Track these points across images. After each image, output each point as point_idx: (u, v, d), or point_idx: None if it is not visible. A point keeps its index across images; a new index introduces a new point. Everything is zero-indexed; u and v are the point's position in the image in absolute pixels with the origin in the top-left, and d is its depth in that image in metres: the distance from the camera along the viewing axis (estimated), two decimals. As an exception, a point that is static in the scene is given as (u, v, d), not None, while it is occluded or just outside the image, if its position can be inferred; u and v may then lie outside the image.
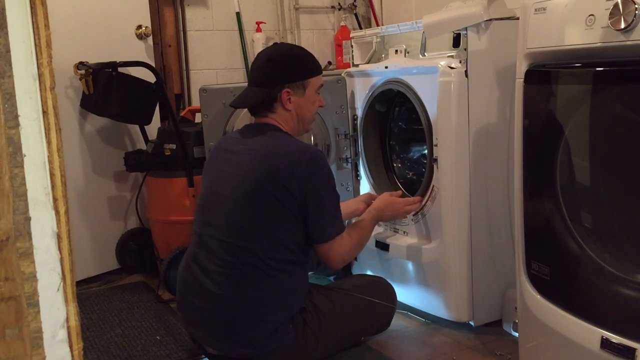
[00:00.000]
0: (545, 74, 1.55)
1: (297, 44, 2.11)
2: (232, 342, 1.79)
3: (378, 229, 2.47)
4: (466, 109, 2.03)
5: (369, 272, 2.51)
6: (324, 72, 3.33)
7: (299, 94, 1.86)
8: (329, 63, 3.56)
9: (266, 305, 1.76)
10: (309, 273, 2.41)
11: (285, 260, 1.78)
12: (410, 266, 2.31)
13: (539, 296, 1.62)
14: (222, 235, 1.78)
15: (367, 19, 3.68)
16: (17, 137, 0.69)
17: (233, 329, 1.77)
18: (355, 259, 2.62)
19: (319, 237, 1.82)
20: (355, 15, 3.63)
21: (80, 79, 2.64)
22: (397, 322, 2.22)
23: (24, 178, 0.69)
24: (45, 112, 0.71)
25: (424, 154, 2.34)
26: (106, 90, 2.62)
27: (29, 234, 0.70)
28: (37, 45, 0.70)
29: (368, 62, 2.51)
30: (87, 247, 2.85)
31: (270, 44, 3.41)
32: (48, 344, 0.73)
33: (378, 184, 2.53)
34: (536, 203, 1.62)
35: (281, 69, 1.85)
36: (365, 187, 2.58)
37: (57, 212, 0.72)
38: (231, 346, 1.80)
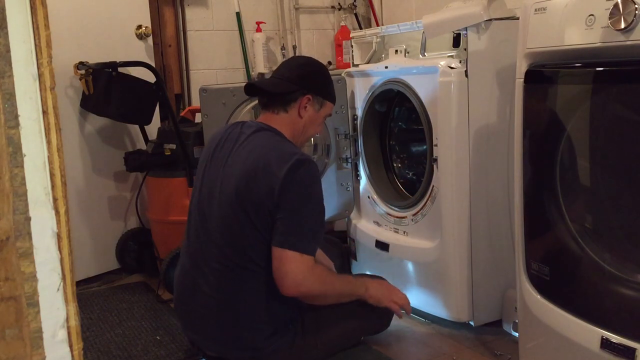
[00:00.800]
0: (545, 74, 1.55)
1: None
2: (230, 345, 1.79)
3: (377, 229, 2.47)
4: (466, 109, 2.03)
5: (367, 273, 2.50)
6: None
7: (316, 108, 1.87)
8: (329, 63, 3.56)
9: (263, 307, 1.76)
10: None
11: None
12: (410, 266, 2.31)
13: (539, 296, 1.62)
14: (216, 239, 1.76)
15: (367, 19, 3.68)
16: (17, 137, 0.69)
17: (231, 332, 1.77)
18: (355, 258, 2.63)
19: (274, 238, 1.69)
20: (355, 15, 3.63)
21: (80, 79, 2.64)
22: (397, 322, 2.22)
23: (24, 178, 0.69)
24: (45, 112, 0.71)
25: (424, 154, 2.34)
26: (106, 90, 2.62)
27: (29, 234, 0.70)
28: (37, 45, 0.70)
29: (368, 62, 2.51)
30: (87, 247, 2.85)
31: (270, 44, 3.42)
32: (48, 344, 0.73)
33: (378, 184, 2.53)
34: (536, 203, 1.62)
35: (314, 77, 1.88)
36: (365, 187, 2.58)
37: (57, 212, 0.72)
38: (230, 349, 1.79)
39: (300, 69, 1.87)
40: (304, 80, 1.85)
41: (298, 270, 1.68)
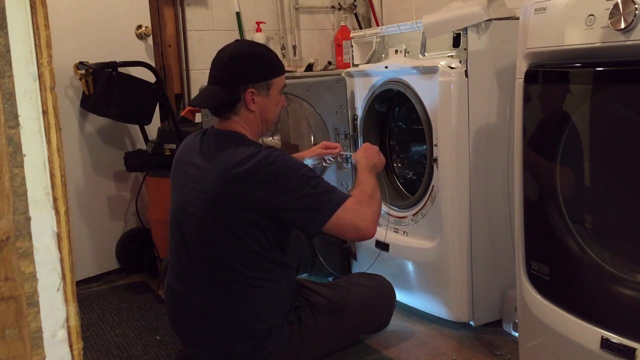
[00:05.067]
0: (545, 74, 1.55)
1: (260, 42, 2.02)
2: (228, 356, 1.78)
3: (377, 229, 2.46)
4: (466, 109, 2.03)
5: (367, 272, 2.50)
6: (324, 72, 3.35)
7: (263, 94, 1.77)
8: (329, 63, 3.56)
9: (255, 315, 1.75)
10: (304, 275, 2.41)
11: (266, 269, 1.74)
12: (410, 266, 2.31)
13: (539, 296, 1.62)
14: (198, 255, 1.75)
15: (367, 19, 3.68)
16: (17, 137, 0.69)
17: (227, 343, 1.77)
18: (355, 258, 2.63)
19: (311, 228, 1.69)
20: (355, 15, 3.63)
21: (80, 79, 2.64)
22: (397, 322, 2.22)
23: (24, 178, 0.69)
24: (45, 112, 0.71)
25: (424, 154, 2.34)
26: (106, 90, 2.62)
27: (29, 234, 0.70)
28: (37, 45, 0.70)
29: (368, 62, 2.51)
30: (87, 247, 2.85)
31: (270, 44, 3.42)
32: (48, 344, 0.73)
33: (378, 184, 2.52)
34: (536, 203, 1.62)
35: (245, 68, 1.76)
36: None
37: (57, 212, 0.72)
38: (228, 359, 1.80)
39: (229, 66, 1.75)
40: (237, 76, 1.75)
41: (355, 218, 1.68)
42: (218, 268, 1.73)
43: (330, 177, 2.56)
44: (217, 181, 1.69)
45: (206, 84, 1.85)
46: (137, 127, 2.92)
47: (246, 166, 1.66)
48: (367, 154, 1.96)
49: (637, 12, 1.26)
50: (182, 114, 3.00)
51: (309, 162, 2.14)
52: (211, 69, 1.81)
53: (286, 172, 1.67)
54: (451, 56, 2.07)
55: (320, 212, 1.67)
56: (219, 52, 1.82)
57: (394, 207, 2.40)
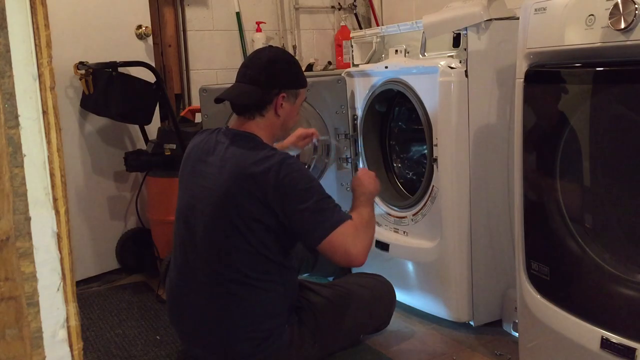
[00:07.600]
0: (545, 74, 1.55)
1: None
2: (228, 356, 1.78)
3: (377, 229, 2.47)
4: (466, 109, 2.03)
5: (367, 272, 2.50)
6: (324, 72, 3.35)
7: (291, 101, 1.80)
8: (329, 63, 3.56)
9: (256, 316, 1.75)
10: (305, 275, 2.41)
11: (270, 271, 1.75)
12: (410, 266, 2.31)
13: (539, 296, 1.62)
14: (204, 253, 1.75)
15: (367, 19, 3.69)
16: (17, 137, 0.69)
17: (227, 344, 1.77)
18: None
19: (310, 241, 1.70)
20: (355, 15, 3.63)
21: (80, 79, 2.64)
22: (397, 322, 2.22)
23: (24, 178, 0.69)
24: (45, 112, 0.71)
25: (424, 154, 2.34)
26: (106, 90, 2.62)
27: (29, 234, 0.70)
28: (37, 45, 0.70)
29: (368, 62, 2.51)
30: (87, 247, 2.85)
31: (270, 44, 3.42)
32: (48, 344, 0.73)
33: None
34: (536, 203, 1.62)
35: (283, 72, 1.79)
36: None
37: (57, 212, 0.72)
38: (229, 359, 1.80)
39: (268, 67, 1.77)
40: (274, 79, 1.77)
41: (348, 243, 1.67)
42: (222, 267, 1.73)
43: (330, 176, 2.56)
44: (229, 180, 1.69)
45: (235, 82, 1.83)
46: (137, 127, 2.92)
47: (259, 168, 1.67)
48: (365, 182, 1.90)
49: (637, 12, 1.26)
50: (182, 114, 3.00)
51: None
52: (246, 68, 1.81)
53: (296, 181, 1.68)
54: (451, 56, 2.07)
55: (321, 227, 1.67)
56: (255, 53, 1.84)
57: (394, 207, 2.40)
